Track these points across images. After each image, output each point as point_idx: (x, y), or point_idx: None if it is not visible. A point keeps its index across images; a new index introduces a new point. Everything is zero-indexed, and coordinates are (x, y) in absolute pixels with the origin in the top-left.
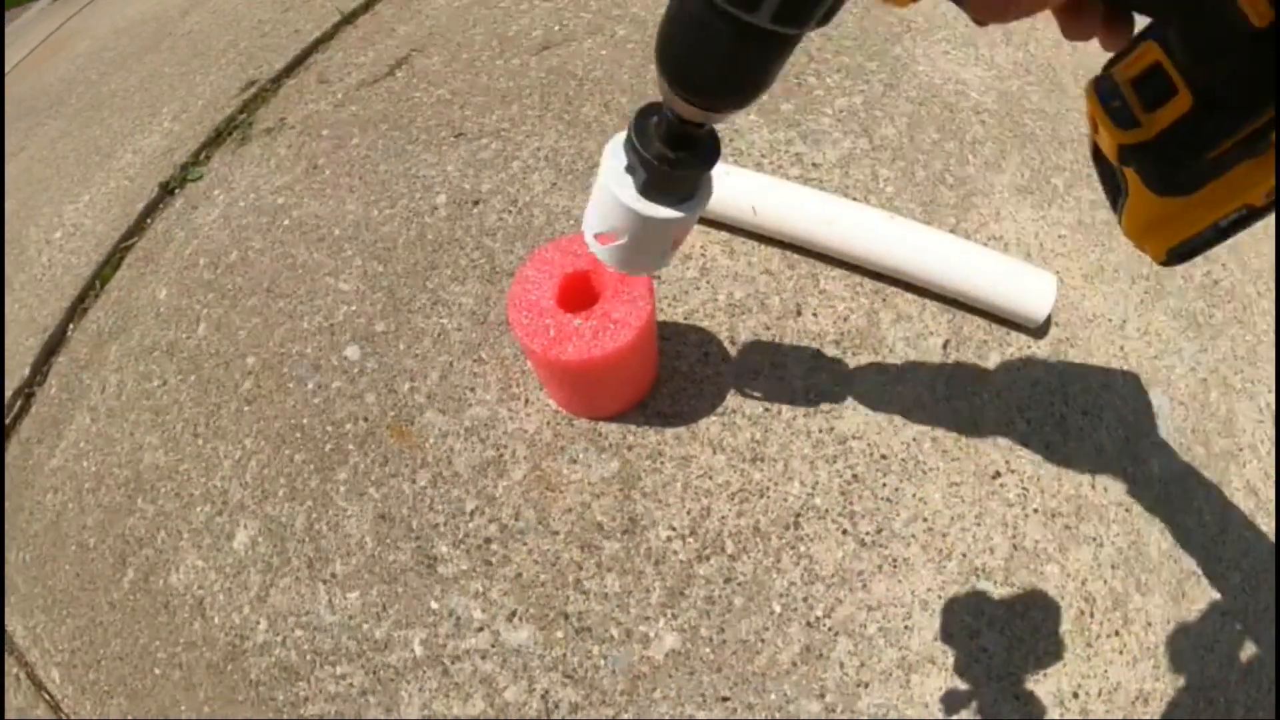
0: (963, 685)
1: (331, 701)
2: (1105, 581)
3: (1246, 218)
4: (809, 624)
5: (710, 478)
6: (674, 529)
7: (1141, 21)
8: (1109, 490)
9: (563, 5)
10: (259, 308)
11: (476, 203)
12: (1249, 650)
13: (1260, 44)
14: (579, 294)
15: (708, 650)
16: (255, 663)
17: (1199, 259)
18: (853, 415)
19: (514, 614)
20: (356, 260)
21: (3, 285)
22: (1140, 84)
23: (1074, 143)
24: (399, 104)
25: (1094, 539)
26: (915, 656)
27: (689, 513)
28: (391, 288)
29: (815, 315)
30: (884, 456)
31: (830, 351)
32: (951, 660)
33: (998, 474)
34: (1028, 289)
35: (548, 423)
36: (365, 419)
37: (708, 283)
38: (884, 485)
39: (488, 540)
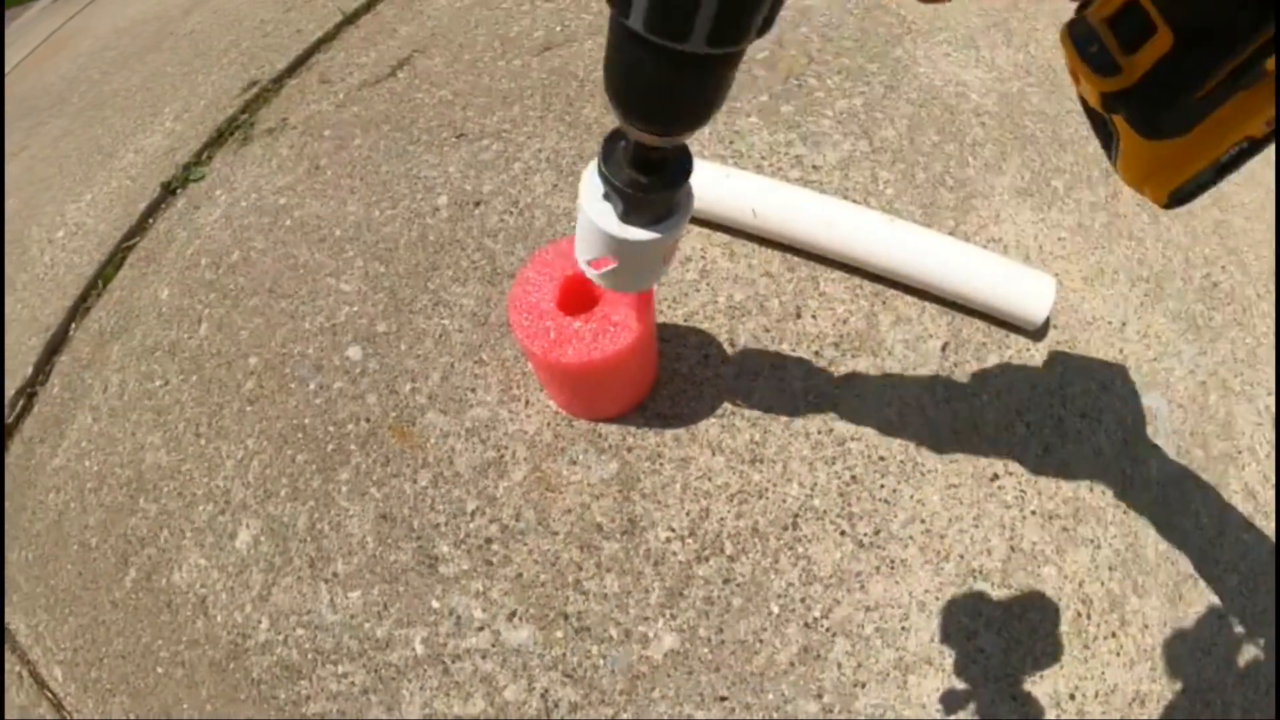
0: (960, 686)
1: (333, 700)
2: (1103, 583)
3: (1248, 150)
4: (807, 624)
5: (709, 479)
6: (673, 530)
7: None
8: (1107, 492)
9: (564, 6)
10: (261, 308)
11: (478, 204)
12: (1246, 652)
13: None
14: (579, 296)
15: (706, 650)
16: (257, 661)
17: (1198, 261)
18: (851, 417)
19: (514, 614)
20: (358, 261)
21: (2, 284)
22: (1117, 23)
23: (1074, 145)
24: (401, 105)
25: (1092, 541)
26: (913, 657)
27: (688, 514)
28: (393, 288)
29: (815, 317)
30: (882, 458)
31: (829, 353)
32: (949, 661)
33: (996, 476)
34: (1027, 291)
35: (548, 424)
36: (367, 419)
37: (708, 285)
38: (882, 487)
39: (488, 540)
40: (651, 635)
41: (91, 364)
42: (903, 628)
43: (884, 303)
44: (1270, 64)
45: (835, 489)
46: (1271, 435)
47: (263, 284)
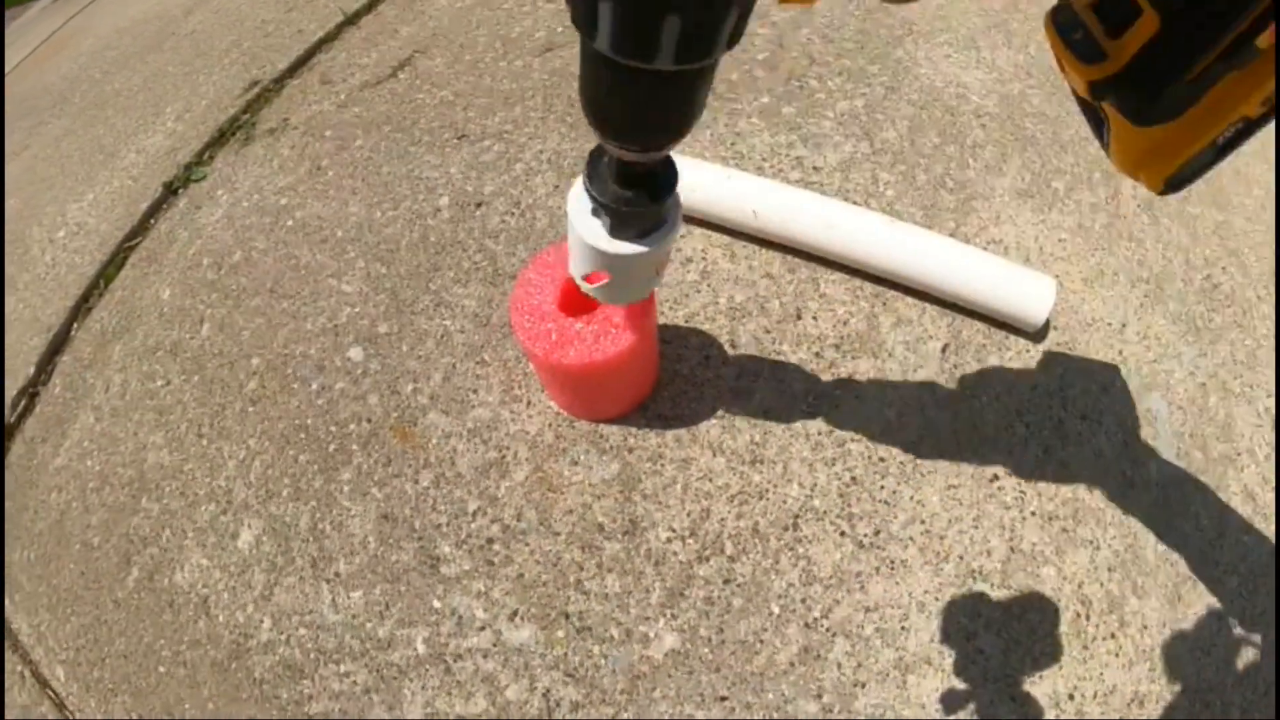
0: (959, 686)
1: (335, 700)
2: (1102, 584)
3: (1244, 131)
4: (807, 625)
5: (710, 480)
6: (674, 530)
7: None
8: (1106, 494)
9: (565, 7)
10: (262, 308)
11: (479, 205)
12: (1246, 654)
13: None
14: (581, 298)
15: (707, 650)
16: (259, 661)
17: (1198, 262)
18: (852, 418)
19: (515, 613)
20: (360, 262)
21: (2, 284)
22: (1101, 8)
23: (1075, 146)
24: (402, 105)
25: (1091, 542)
26: (912, 657)
27: (689, 514)
28: (395, 289)
29: (815, 319)
30: (882, 459)
31: (830, 355)
32: (948, 661)
33: (996, 477)
34: (1027, 293)
35: (549, 424)
36: (369, 420)
37: (709, 286)
38: (882, 488)
39: (490, 540)
40: (652, 635)
41: (93, 364)
42: (902, 628)
43: (884, 304)
44: (1263, 41)
45: (835, 490)
46: (1271, 437)
47: (264, 284)
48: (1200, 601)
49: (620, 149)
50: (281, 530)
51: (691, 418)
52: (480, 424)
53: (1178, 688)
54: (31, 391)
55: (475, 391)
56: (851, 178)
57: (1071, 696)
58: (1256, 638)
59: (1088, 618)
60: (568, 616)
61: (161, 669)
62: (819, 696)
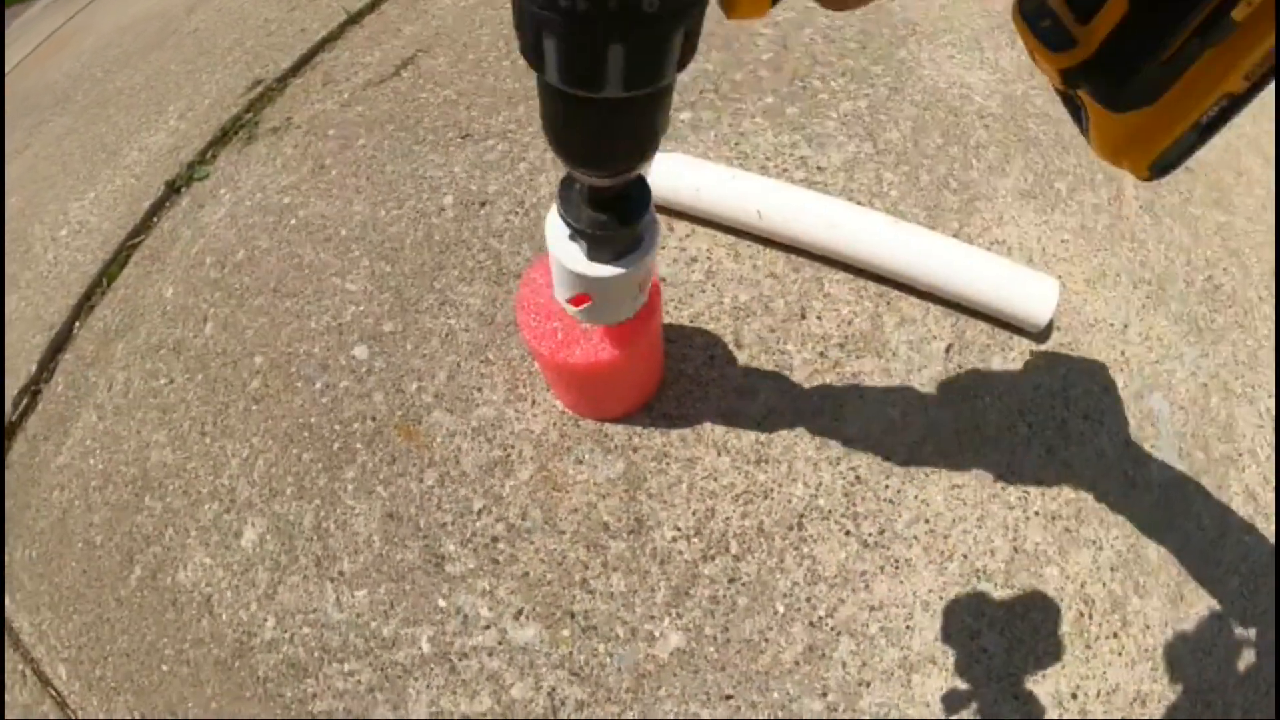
0: (963, 685)
1: (339, 698)
2: (1104, 584)
3: (1229, 109)
4: (812, 624)
5: (715, 479)
6: (679, 529)
7: None
8: (1109, 494)
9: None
10: (266, 307)
11: (483, 204)
12: (1247, 654)
13: None
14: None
15: (712, 649)
16: (263, 660)
17: (1200, 263)
18: (856, 417)
19: (521, 612)
20: (364, 260)
21: (2, 282)
22: None
23: (1077, 147)
24: (405, 104)
25: (1094, 542)
26: (916, 656)
27: (694, 513)
28: (399, 288)
29: (819, 318)
30: (887, 458)
31: (834, 354)
32: (952, 660)
33: (999, 477)
34: (1030, 293)
35: (554, 423)
36: (373, 418)
37: (713, 286)
38: (886, 487)
39: (495, 539)
40: (658, 634)
41: (96, 362)
42: (907, 627)
43: (888, 304)
44: (1239, 13)
45: (840, 489)
46: (1272, 438)
47: (268, 283)
48: (1202, 601)
49: (587, 175)
50: (285, 529)
51: (696, 417)
52: (485, 423)
53: (1180, 687)
54: (34, 390)
55: (480, 390)
56: (855, 178)
57: (1074, 695)
58: (1258, 638)
59: (1090, 617)
60: (573, 615)
61: (164, 668)
62: (824, 695)
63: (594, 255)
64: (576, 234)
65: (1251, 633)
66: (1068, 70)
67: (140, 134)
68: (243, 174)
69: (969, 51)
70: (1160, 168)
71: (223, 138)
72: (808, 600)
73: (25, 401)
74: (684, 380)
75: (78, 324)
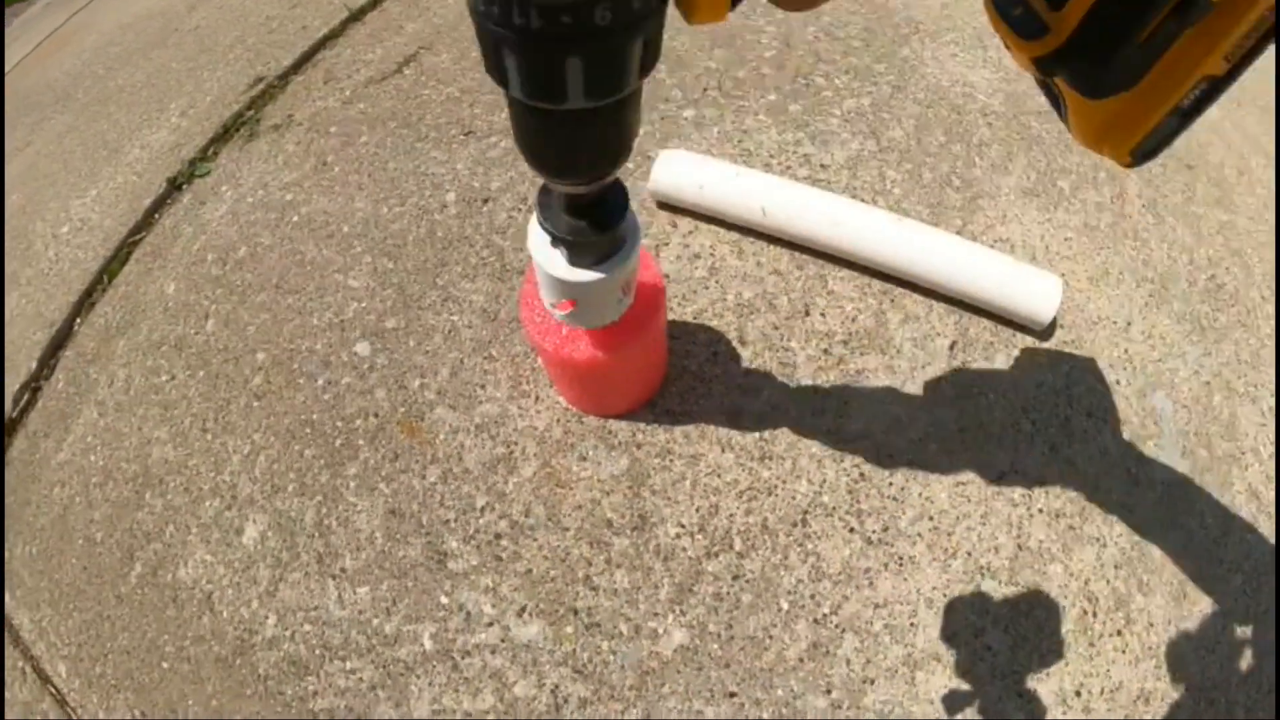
0: (967, 683)
1: (341, 696)
2: (1108, 582)
3: (1210, 92)
4: (816, 621)
5: (719, 475)
6: (683, 526)
7: None
8: (1112, 491)
9: None
10: (268, 304)
11: (486, 200)
12: (1250, 652)
13: None
14: None
15: (716, 646)
16: (264, 657)
17: (1203, 262)
18: (860, 415)
19: (524, 609)
20: (366, 257)
21: (2, 279)
22: None
23: (1080, 146)
24: (408, 101)
25: (1097, 539)
26: (920, 654)
27: (698, 510)
28: (402, 284)
29: (823, 315)
30: (890, 456)
31: (838, 351)
32: (956, 658)
33: (1003, 474)
34: (1033, 291)
35: (558, 420)
36: (375, 415)
37: (717, 283)
38: (890, 484)
39: (498, 536)
40: (661, 631)
41: (97, 359)
42: (911, 624)
43: (892, 301)
44: None
45: (844, 486)
46: (1274, 436)
47: (270, 280)
48: (1205, 599)
49: (562, 184)
50: (287, 526)
51: (700, 414)
52: (488, 419)
53: (1183, 685)
54: (34, 386)
55: (483, 387)
56: (859, 175)
57: (1078, 693)
58: (1260, 636)
59: (1094, 615)
60: (576, 612)
61: (165, 665)
62: (828, 692)
63: (575, 261)
64: (556, 240)
65: (1255, 631)
66: (1041, 59)
67: (142, 131)
68: (244, 171)
69: (972, 50)
70: (1142, 154)
71: (224, 135)
72: (812, 597)
73: (26, 398)
74: (687, 377)
75: (79, 321)
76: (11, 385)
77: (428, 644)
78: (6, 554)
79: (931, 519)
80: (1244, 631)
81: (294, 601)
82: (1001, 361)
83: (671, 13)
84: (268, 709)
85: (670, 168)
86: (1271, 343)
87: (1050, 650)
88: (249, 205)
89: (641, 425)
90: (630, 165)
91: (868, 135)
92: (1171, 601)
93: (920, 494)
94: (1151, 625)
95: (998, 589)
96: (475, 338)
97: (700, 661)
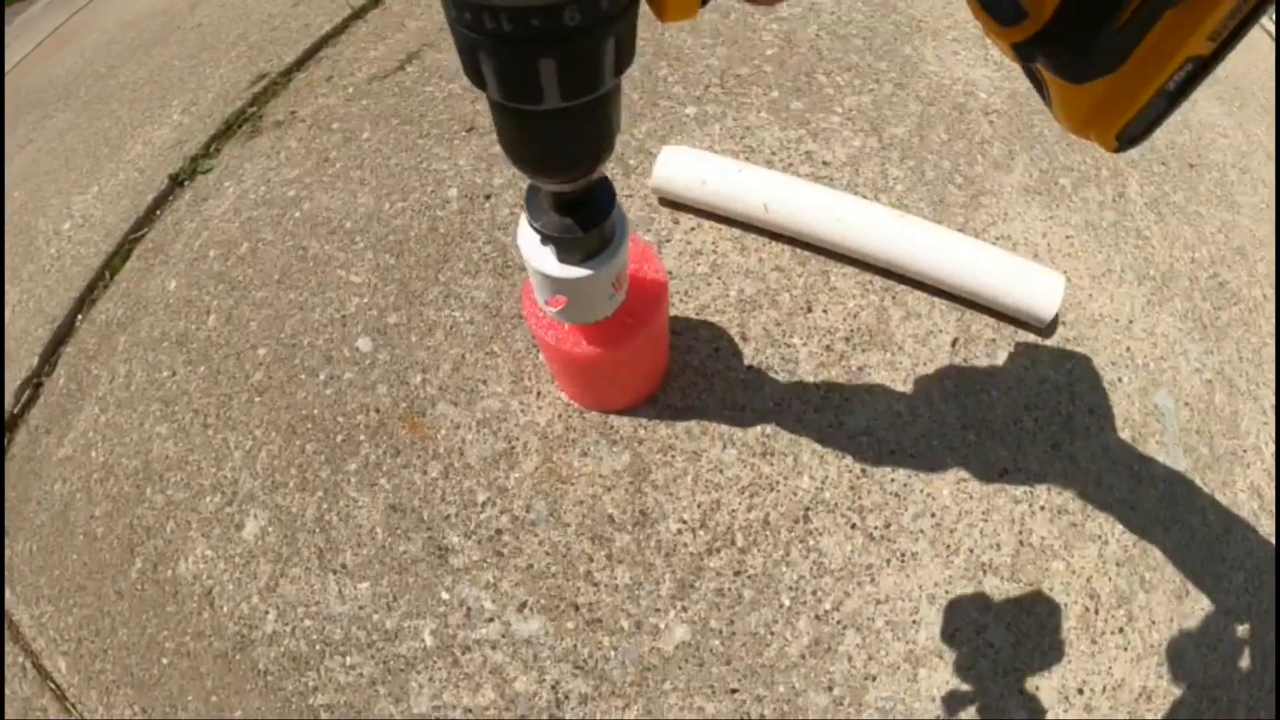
0: (969, 679)
1: (341, 691)
2: (1110, 579)
3: (1196, 73)
4: (818, 617)
5: (720, 471)
6: (684, 522)
7: None
8: (1114, 489)
9: None
10: (270, 299)
11: (488, 197)
12: (1251, 650)
13: None
14: None
15: (717, 642)
16: (264, 653)
17: (1205, 261)
18: (862, 411)
19: (525, 605)
20: (368, 253)
21: (2, 275)
22: None
23: (1082, 143)
24: (410, 99)
25: (1099, 537)
26: (922, 650)
27: (699, 506)
28: (403, 280)
29: (825, 312)
30: (892, 452)
31: (840, 347)
32: (958, 655)
33: (1005, 471)
34: (1036, 288)
35: (559, 415)
36: (377, 410)
37: (719, 279)
38: (892, 480)
39: (499, 531)
40: (663, 627)
41: (98, 355)
42: (913, 621)
43: (894, 298)
44: None
45: (846, 482)
46: (1276, 434)
47: (272, 275)
48: (1207, 597)
49: (547, 183)
50: (287, 521)
51: (702, 409)
52: (490, 415)
53: (1184, 683)
54: (35, 382)
55: (485, 382)
56: (861, 172)
57: (1080, 691)
58: (1262, 634)
59: (1096, 612)
60: (577, 608)
61: (164, 661)
62: (830, 689)
63: (564, 258)
64: (544, 239)
65: (1256, 629)
66: (1020, 44)
67: (143, 128)
68: (246, 167)
69: (974, 48)
70: (1129, 138)
71: (226, 131)
72: (813, 593)
73: (27, 394)
74: (689, 372)
75: (80, 317)
76: (13, 381)
77: (428, 639)
78: (7, 550)
79: (933, 515)
80: (1246, 630)
81: (294, 597)
82: (1003, 358)
83: (647, 13)
84: (268, 704)
85: (673, 164)
86: (1273, 341)
87: (1052, 647)
88: (251, 201)
89: (643, 421)
90: (633, 162)
91: (869, 132)
92: (1173, 599)
93: (922, 490)
94: (1153, 623)
95: (999, 586)
96: (477, 333)
97: (701, 658)
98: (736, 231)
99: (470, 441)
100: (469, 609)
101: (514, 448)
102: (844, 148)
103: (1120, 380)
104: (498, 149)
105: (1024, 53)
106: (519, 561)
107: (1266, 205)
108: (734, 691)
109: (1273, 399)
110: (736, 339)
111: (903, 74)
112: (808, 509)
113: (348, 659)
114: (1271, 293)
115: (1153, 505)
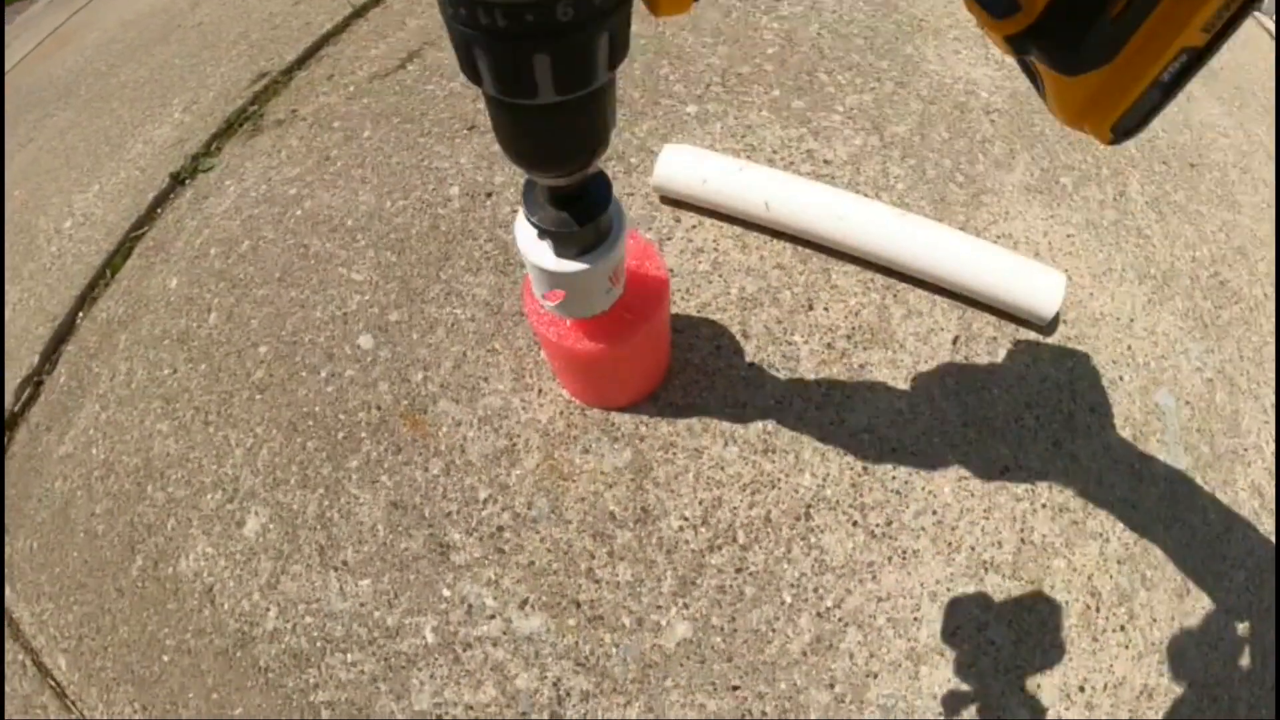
0: (970, 677)
1: (342, 689)
2: (1111, 577)
3: (1191, 64)
4: (819, 614)
5: (722, 469)
6: (686, 519)
7: None
8: (1115, 487)
9: None
10: (271, 297)
11: (489, 194)
12: (1252, 648)
13: None
14: None
15: (719, 639)
16: (265, 650)
17: (1205, 259)
18: (863, 409)
19: (526, 602)
20: (369, 251)
21: (2, 274)
22: None
23: (1083, 142)
24: (411, 97)
25: (1100, 535)
26: (924, 648)
27: (701, 503)
28: (405, 278)
29: (827, 309)
30: (894, 450)
31: (841, 345)
32: (959, 652)
33: (1006, 469)
34: (1037, 287)
35: (561, 412)
36: (378, 407)
37: (720, 276)
38: (894, 478)
39: (500, 528)
40: (664, 624)
41: (99, 353)
42: (914, 618)
43: (895, 296)
44: None
45: (847, 479)
46: (1276, 433)
47: (273, 273)
48: (1207, 595)
49: (543, 177)
50: (288, 518)
51: (703, 407)
52: (491, 412)
53: (1185, 681)
54: (36, 380)
55: (486, 379)
56: (862, 171)
57: (1082, 688)
58: (1262, 633)
59: (1097, 610)
60: (579, 605)
61: (165, 658)
62: (831, 686)
63: (561, 252)
64: (541, 233)
65: (1257, 628)
66: (1013, 37)
67: (144, 127)
68: (247, 166)
69: (975, 47)
70: (1124, 130)
71: (227, 130)
72: (815, 591)
73: (28, 392)
74: (691, 370)
75: (81, 315)
76: (14, 379)
77: (429, 636)
78: (7, 547)
79: (935, 513)
80: (1246, 628)
81: (295, 594)
82: (1005, 357)
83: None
84: (268, 702)
85: (674, 162)
86: (1274, 339)
87: (1053, 645)
88: (252, 200)
89: (644, 418)
90: (634, 160)
91: (871, 131)
92: (1174, 597)
93: (923, 488)
94: (1154, 621)
95: (1001, 583)
96: (478, 331)
97: (703, 655)
98: (738, 229)
99: (471, 439)
100: (470, 606)
101: (515, 445)
102: (845, 146)
103: (1121, 379)
104: (498, 147)
105: (1017, 45)
106: (520, 559)
107: (1267, 205)
108: (735, 689)
109: (1273, 398)
110: (738, 336)
111: (904, 73)
112: (809, 506)
113: (349, 656)
114: (1272, 292)
115: (1154, 503)
